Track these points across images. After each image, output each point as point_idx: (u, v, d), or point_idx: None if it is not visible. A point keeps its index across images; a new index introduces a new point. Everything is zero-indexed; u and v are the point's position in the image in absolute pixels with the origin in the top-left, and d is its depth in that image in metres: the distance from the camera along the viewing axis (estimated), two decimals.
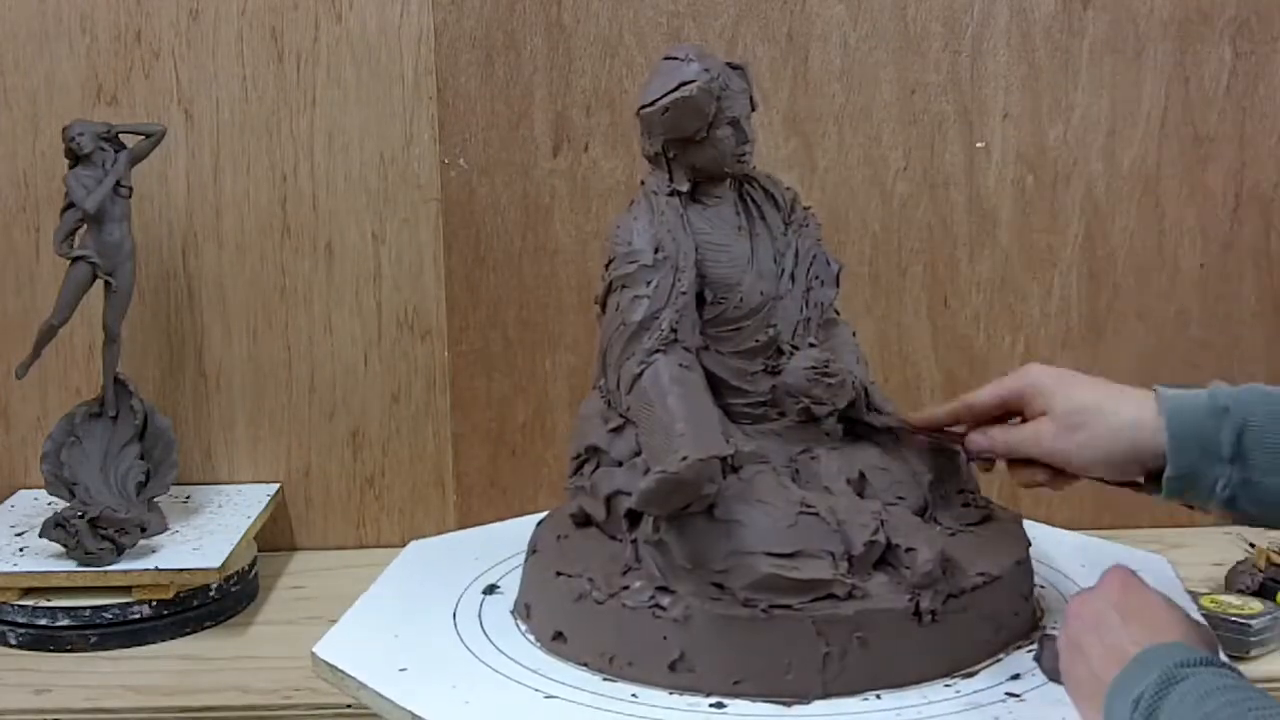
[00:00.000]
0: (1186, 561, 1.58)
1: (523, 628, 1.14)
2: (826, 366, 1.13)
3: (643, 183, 1.19)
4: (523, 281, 1.75)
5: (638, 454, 1.11)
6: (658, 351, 1.11)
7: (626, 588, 1.05)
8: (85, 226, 1.60)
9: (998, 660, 1.06)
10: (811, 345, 1.17)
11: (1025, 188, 1.74)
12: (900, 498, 1.12)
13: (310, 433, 1.79)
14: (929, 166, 1.73)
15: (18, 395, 1.78)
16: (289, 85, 1.73)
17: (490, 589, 1.22)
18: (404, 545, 1.78)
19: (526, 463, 1.78)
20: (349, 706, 1.37)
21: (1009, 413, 1.12)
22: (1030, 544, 1.14)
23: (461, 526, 1.74)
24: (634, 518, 1.09)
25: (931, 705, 0.99)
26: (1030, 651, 1.06)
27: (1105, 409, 1.05)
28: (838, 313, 1.23)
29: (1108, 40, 1.71)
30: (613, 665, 1.05)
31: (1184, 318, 1.77)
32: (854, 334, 1.23)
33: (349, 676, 1.08)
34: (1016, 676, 1.03)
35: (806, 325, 1.19)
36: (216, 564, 1.53)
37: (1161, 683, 0.83)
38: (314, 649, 1.12)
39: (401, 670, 1.07)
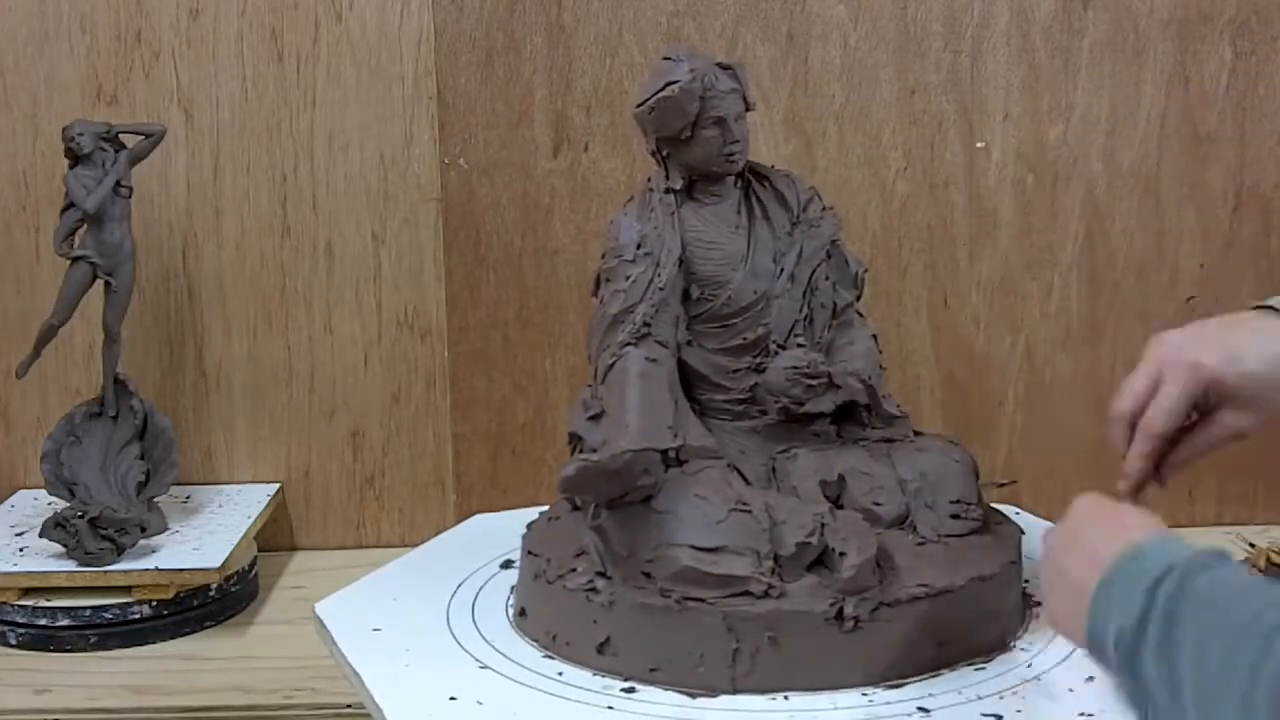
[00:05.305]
0: None
1: (510, 602, 1.18)
2: (809, 367, 1.13)
3: (648, 179, 1.20)
4: (523, 281, 1.75)
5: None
6: (629, 344, 1.13)
7: (573, 570, 1.08)
8: (85, 226, 1.60)
9: (937, 675, 1.04)
10: (800, 345, 1.17)
11: (1025, 188, 1.74)
12: (878, 504, 1.11)
13: (310, 433, 1.79)
14: (929, 166, 1.73)
15: (18, 395, 1.78)
16: (289, 85, 1.73)
17: (507, 564, 1.26)
18: (404, 545, 1.78)
19: (526, 463, 1.78)
20: (349, 706, 1.37)
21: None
22: (1015, 561, 1.12)
23: None
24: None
25: (837, 712, 0.99)
26: (980, 670, 1.05)
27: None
28: (861, 315, 1.23)
29: (1108, 40, 1.71)
30: (555, 643, 1.09)
31: (1184, 318, 1.76)
32: (874, 337, 1.23)
33: (325, 629, 1.14)
34: (938, 694, 1.01)
35: (808, 325, 1.19)
36: (216, 564, 1.53)
37: (1186, 570, 0.79)
38: (316, 605, 1.19)
39: (375, 630, 1.13)
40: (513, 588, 1.20)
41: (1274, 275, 1.75)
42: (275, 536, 1.78)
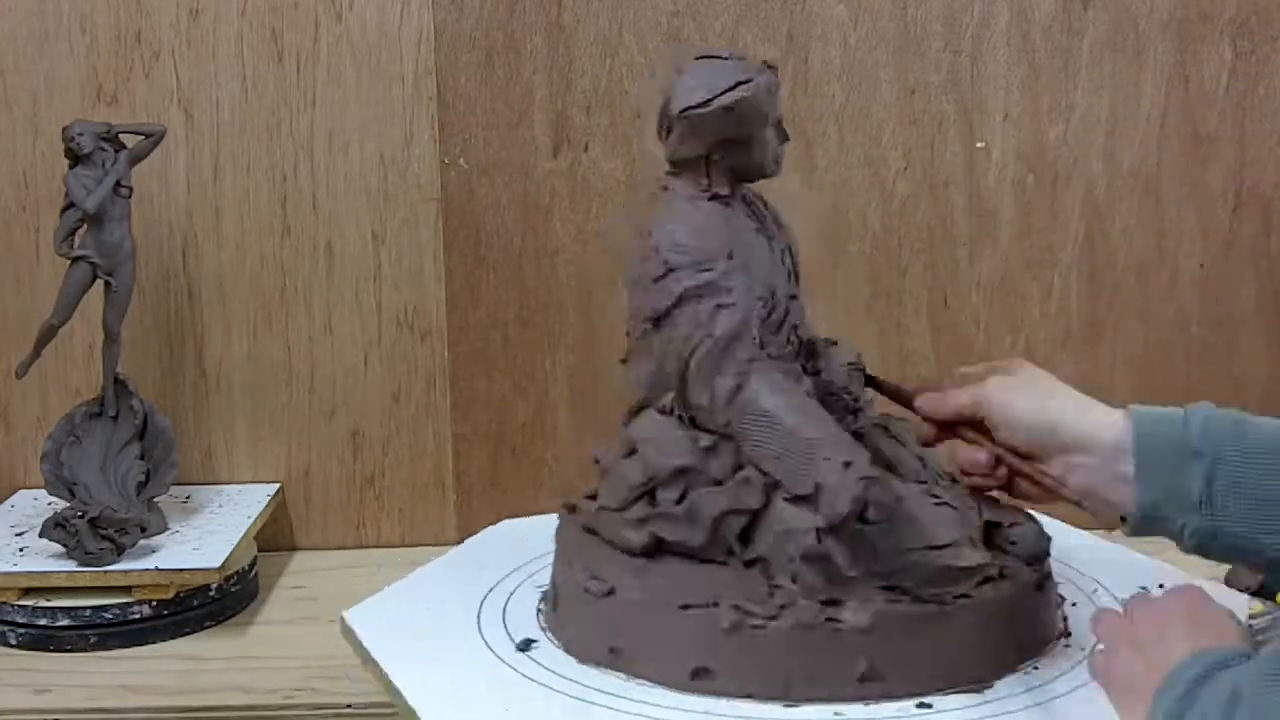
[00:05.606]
0: (1186, 561, 1.58)
1: (622, 676, 1.05)
2: (859, 360, 1.13)
3: (665, 187, 1.14)
4: (523, 281, 1.75)
5: (737, 469, 1.06)
6: (753, 361, 1.06)
7: (784, 607, 1.00)
8: (85, 226, 1.60)
9: (1066, 620, 1.10)
10: (833, 343, 1.16)
11: (1025, 188, 1.74)
12: (921, 481, 1.11)
13: (310, 433, 1.79)
14: (929, 166, 1.73)
15: (18, 395, 1.78)
16: (289, 85, 1.73)
17: (526, 644, 1.11)
18: (404, 546, 1.78)
19: (527, 463, 1.78)
20: (349, 706, 1.37)
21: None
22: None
23: (462, 527, 1.74)
24: (746, 537, 1.05)
25: (1077, 672, 1.02)
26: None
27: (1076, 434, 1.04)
28: None
29: (1108, 40, 1.71)
30: (791, 690, 1.00)
31: (1184, 318, 1.77)
32: None
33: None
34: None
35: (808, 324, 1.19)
36: (216, 564, 1.53)
37: (1202, 674, 0.82)
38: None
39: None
40: (582, 663, 1.08)
41: (1274, 275, 1.76)
42: (275, 536, 1.78)
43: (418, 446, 1.79)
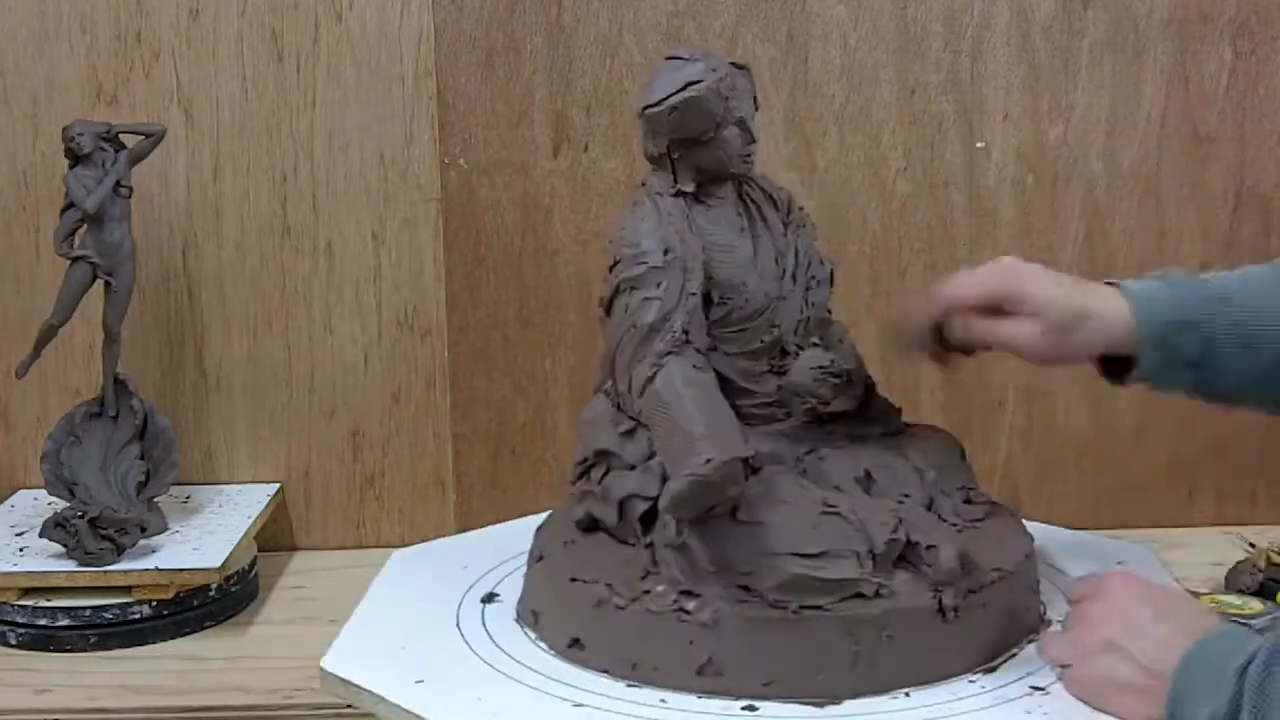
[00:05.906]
0: (1186, 561, 1.59)
1: (531, 636, 1.13)
2: (832, 366, 1.13)
3: (643, 183, 1.18)
4: (523, 281, 1.75)
5: (650, 457, 1.10)
6: (670, 354, 1.09)
7: (648, 592, 1.03)
8: (85, 226, 1.60)
9: (1013, 655, 1.06)
10: (815, 345, 1.17)
11: (1025, 188, 1.74)
12: (906, 495, 1.11)
13: (310, 433, 1.79)
14: (929, 166, 1.73)
15: (18, 395, 1.78)
16: (289, 85, 1.73)
17: (489, 597, 1.21)
18: (404, 545, 1.78)
19: (527, 463, 1.78)
20: (349, 707, 1.37)
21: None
22: (1033, 538, 1.15)
23: (462, 527, 1.74)
24: (648, 522, 1.08)
25: (961, 701, 1.00)
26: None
27: (1094, 313, 1.12)
28: (829, 312, 1.23)
29: (1108, 40, 1.71)
30: (636, 671, 1.03)
31: None
32: (848, 332, 1.23)
33: (365, 690, 1.06)
34: (1036, 670, 1.04)
35: (806, 325, 1.19)
36: (216, 564, 1.53)
37: (1271, 653, 0.83)
38: (322, 663, 1.11)
39: (418, 682, 1.06)
40: (517, 621, 1.15)
41: None
42: (275, 536, 1.78)
43: (418, 446, 1.79)
